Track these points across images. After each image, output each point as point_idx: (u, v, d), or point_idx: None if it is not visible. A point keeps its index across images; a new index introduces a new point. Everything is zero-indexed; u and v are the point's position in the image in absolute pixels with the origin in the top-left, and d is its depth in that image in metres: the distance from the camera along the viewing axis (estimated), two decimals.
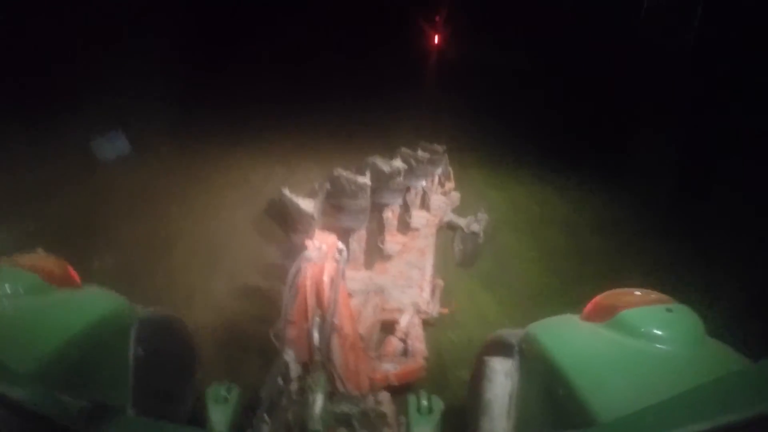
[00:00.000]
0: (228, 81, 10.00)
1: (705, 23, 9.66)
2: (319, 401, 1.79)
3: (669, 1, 10.75)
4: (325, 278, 2.04)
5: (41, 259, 1.67)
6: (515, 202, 6.40)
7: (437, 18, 12.98)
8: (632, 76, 10.27)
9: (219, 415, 1.75)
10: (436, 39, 12.86)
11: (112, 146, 6.91)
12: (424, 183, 4.76)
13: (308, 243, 2.09)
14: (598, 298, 1.65)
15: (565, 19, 11.76)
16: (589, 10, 11.55)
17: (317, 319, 2.05)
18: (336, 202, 3.69)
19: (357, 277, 3.70)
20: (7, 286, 1.50)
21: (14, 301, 1.48)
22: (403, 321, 3.31)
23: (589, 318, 1.63)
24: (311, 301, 2.08)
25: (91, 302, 1.66)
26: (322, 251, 2.07)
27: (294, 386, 2.00)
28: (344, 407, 1.85)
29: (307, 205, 3.22)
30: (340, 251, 2.12)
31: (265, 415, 1.80)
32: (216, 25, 11.40)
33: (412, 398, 1.84)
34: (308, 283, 2.05)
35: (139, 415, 1.60)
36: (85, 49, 7.10)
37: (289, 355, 2.05)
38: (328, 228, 3.37)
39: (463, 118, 8.71)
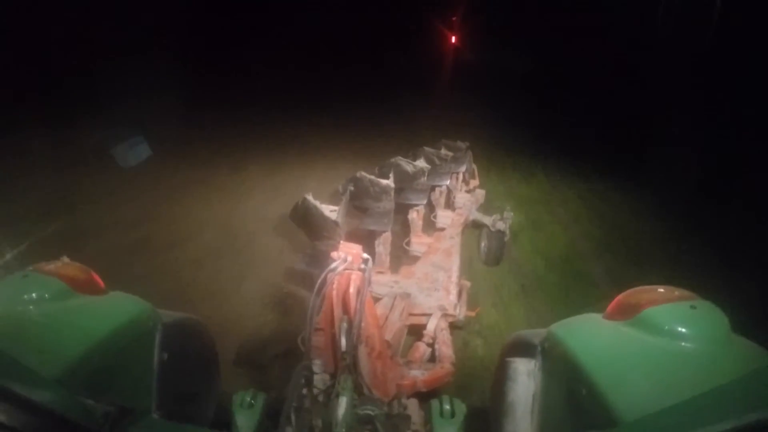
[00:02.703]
0: (250, 84, 10.15)
1: (722, 22, 9.49)
2: (344, 404, 1.80)
3: (686, 1, 10.59)
4: (351, 289, 2.05)
5: (66, 266, 1.71)
6: (539, 201, 6.34)
7: (456, 19, 12.99)
8: (650, 76, 10.15)
9: (244, 420, 1.77)
10: (457, 39, 12.87)
11: (134, 152, 7.06)
12: (448, 182, 4.72)
13: (333, 254, 2.10)
14: (620, 297, 1.62)
15: (584, 21, 11.68)
16: (607, 11, 11.47)
17: (344, 325, 2.06)
18: (360, 205, 3.70)
19: (383, 281, 3.68)
20: (33, 292, 1.54)
21: (40, 307, 1.52)
22: (431, 325, 3.29)
23: (612, 316, 1.60)
24: (338, 311, 2.10)
25: (116, 308, 1.69)
26: (347, 262, 2.08)
27: (320, 393, 2.01)
28: (369, 409, 1.85)
29: (330, 211, 3.22)
30: (365, 261, 2.13)
31: (292, 417, 1.81)
32: (238, 29, 11.57)
33: (434, 403, 1.83)
34: (334, 294, 2.07)
35: (163, 418, 1.63)
36: (106, 57, 7.26)
37: (317, 365, 2.06)
38: (352, 231, 3.41)
39: (487, 115, 8.69)
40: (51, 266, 1.67)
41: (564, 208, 6.26)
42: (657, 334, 1.41)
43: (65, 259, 1.77)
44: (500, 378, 1.83)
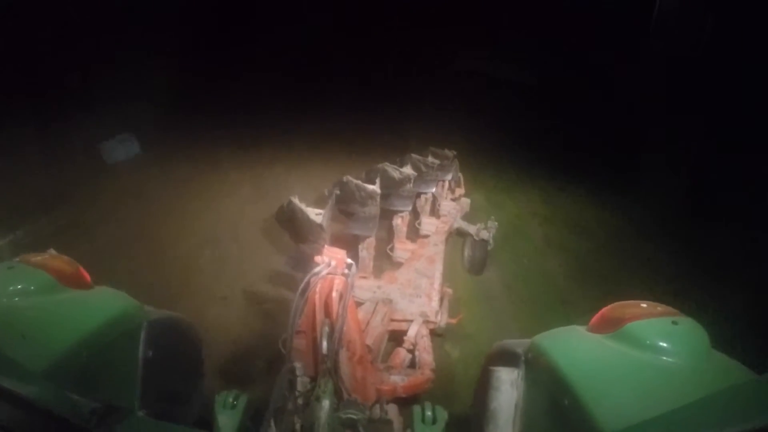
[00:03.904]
0: (238, 86, 10.09)
1: (716, 31, 9.61)
2: (325, 407, 1.80)
3: (679, 9, 10.70)
4: (334, 293, 2.06)
5: (53, 259, 1.69)
6: (524, 212, 6.41)
7: (447, 27, 12.99)
8: (642, 86, 10.27)
9: (226, 421, 1.77)
10: (446, 47, 12.88)
11: (122, 149, 7.00)
12: (434, 189, 4.75)
13: (317, 258, 2.11)
14: (604, 310, 1.65)
15: (575, 30, 11.76)
16: (598, 20, 11.56)
17: (326, 329, 2.06)
18: (345, 209, 3.70)
19: (365, 286, 3.69)
20: (19, 284, 1.53)
21: (26, 299, 1.51)
22: (412, 331, 3.30)
23: (596, 329, 1.63)
24: (320, 314, 2.10)
25: (102, 303, 1.68)
26: (331, 266, 2.09)
27: (300, 396, 2.01)
28: (351, 413, 1.85)
29: (316, 214, 3.22)
30: (348, 266, 2.14)
31: (272, 422, 1.81)
32: (228, 30, 11.50)
33: (416, 409, 1.83)
34: (317, 297, 2.07)
35: (147, 416, 1.62)
36: (96, 53, 7.18)
37: (297, 367, 2.07)
38: (337, 235, 3.41)
39: (473, 124, 8.74)
40: (38, 258, 1.66)
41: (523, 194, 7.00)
42: (639, 348, 1.44)
43: (52, 251, 1.75)
44: (483, 386, 1.85)
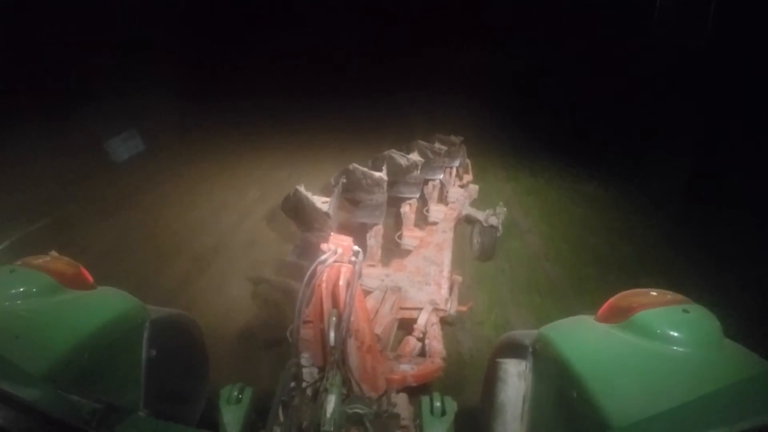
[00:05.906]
0: (244, 78, 10.09)
1: (718, 22, 9.49)
2: (332, 402, 1.78)
3: (682, 0, 10.56)
4: (341, 281, 2.03)
5: (54, 260, 1.68)
6: (532, 201, 6.37)
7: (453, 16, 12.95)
8: (646, 77, 10.19)
9: (231, 415, 1.75)
10: (453, 36, 12.84)
11: (126, 146, 7.03)
12: (441, 176, 4.70)
13: (324, 246, 2.08)
14: (613, 299, 1.61)
15: (579, 20, 11.67)
16: (602, 11, 11.46)
17: (333, 319, 2.04)
18: (352, 197, 3.68)
19: (374, 274, 3.66)
20: (20, 287, 1.52)
21: (27, 302, 1.50)
22: (421, 320, 3.27)
23: (604, 319, 1.60)
24: (327, 303, 2.07)
25: (104, 303, 1.67)
26: (337, 254, 2.06)
27: (308, 387, 1.99)
28: (357, 408, 1.84)
29: (322, 202, 3.19)
30: (355, 253, 2.11)
31: (279, 413, 1.80)
32: (232, 23, 11.47)
33: (425, 400, 1.81)
34: (324, 286, 2.05)
35: (151, 415, 1.61)
36: (99, 50, 7.19)
37: (305, 358, 2.04)
38: (344, 224, 3.38)
39: (481, 111, 8.71)
40: (39, 261, 1.65)
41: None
42: (649, 337, 1.41)
43: (54, 253, 1.74)
44: (491, 378, 1.82)
